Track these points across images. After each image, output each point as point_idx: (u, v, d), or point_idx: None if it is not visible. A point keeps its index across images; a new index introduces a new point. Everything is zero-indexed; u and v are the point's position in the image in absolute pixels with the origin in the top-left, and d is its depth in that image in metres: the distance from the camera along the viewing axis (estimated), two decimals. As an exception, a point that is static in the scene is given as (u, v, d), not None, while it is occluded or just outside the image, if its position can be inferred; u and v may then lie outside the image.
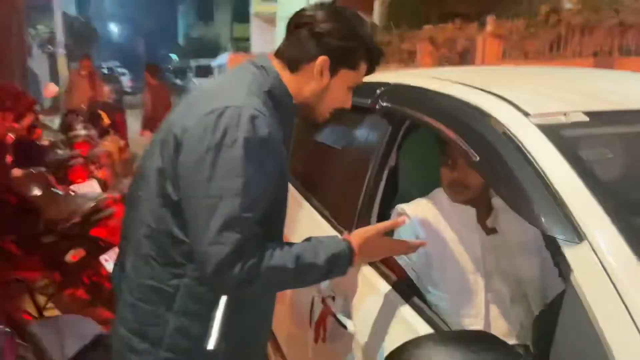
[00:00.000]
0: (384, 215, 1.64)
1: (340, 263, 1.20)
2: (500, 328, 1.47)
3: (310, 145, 2.17)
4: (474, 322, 1.45)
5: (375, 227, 1.30)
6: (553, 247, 1.54)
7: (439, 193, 1.59)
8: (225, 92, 1.19)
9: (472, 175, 1.48)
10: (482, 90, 1.27)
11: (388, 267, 1.47)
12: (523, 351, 1.41)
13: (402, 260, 1.50)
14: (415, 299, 1.38)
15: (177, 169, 1.13)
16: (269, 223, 1.17)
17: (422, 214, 1.54)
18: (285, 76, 1.25)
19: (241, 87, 1.18)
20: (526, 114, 1.14)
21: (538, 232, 1.53)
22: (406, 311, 1.35)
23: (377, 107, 1.65)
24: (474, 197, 1.52)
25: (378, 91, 1.66)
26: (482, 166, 1.10)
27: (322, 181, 1.96)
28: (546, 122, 1.09)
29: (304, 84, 1.25)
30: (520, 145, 1.07)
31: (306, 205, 1.94)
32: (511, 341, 1.46)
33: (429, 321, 1.29)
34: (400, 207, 1.58)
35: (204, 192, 1.08)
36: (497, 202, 1.54)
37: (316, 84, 1.24)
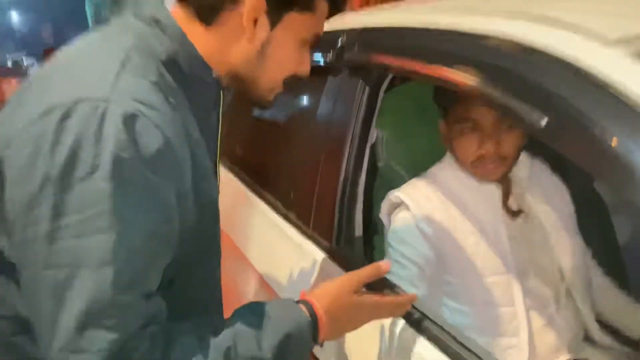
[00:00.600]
0: (370, 210, 1.21)
1: (296, 347, 0.75)
2: (547, 342, 1.09)
3: (257, 123, 1.68)
4: (513, 342, 1.07)
5: (349, 280, 0.84)
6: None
7: (443, 170, 1.17)
8: (78, 70, 0.69)
9: (508, 144, 1.07)
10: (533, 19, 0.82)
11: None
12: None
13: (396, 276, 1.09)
14: (426, 323, 0.94)
15: (4, 211, 0.64)
16: (183, 289, 0.72)
17: (426, 202, 1.12)
18: (196, 34, 0.75)
19: (109, 61, 0.68)
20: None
21: (571, 210, 1.17)
22: (417, 343, 0.92)
23: (342, 63, 1.19)
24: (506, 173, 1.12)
25: (341, 41, 1.20)
26: (554, 134, 0.67)
27: (279, 170, 1.49)
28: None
29: (229, 44, 0.77)
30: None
31: (259, 204, 1.47)
32: (563, 357, 1.10)
33: (450, 353, 0.87)
34: (395, 194, 1.15)
35: (44, 259, 0.61)
36: (520, 173, 1.15)
37: (248, 42, 0.76)
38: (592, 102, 0.65)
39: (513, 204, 1.14)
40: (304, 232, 1.23)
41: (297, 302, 0.79)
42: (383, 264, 0.89)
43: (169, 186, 0.65)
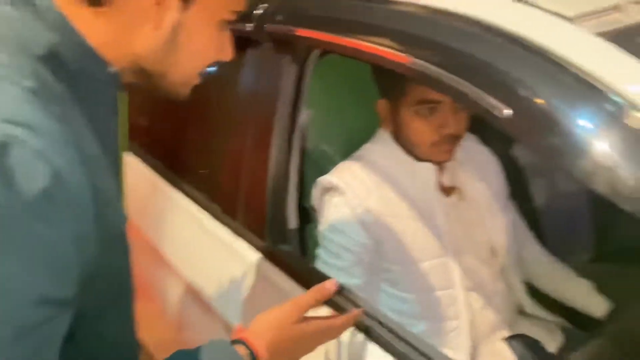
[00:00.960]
0: (301, 197, 1.11)
1: None
2: (486, 321, 1.09)
3: (170, 103, 1.48)
4: (454, 325, 1.05)
5: (291, 310, 0.76)
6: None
7: (375, 150, 1.10)
8: None
9: (463, 123, 1.03)
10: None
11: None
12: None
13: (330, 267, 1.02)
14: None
15: None
16: (86, 342, 0.59)
17: (360, 185, 1.04)
18: (84, 19, 0.58)
19: None
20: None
21: (503, 182, 1.16)
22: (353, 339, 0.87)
23: (263, 36, 1.05)
24: None
25: (262, 9, 1.05)
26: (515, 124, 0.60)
27: (199, 157, 1.33)
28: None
29: (129, 31, 0.60)
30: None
31: (179, 197, 1.31)
32: (504, 334, 1.10)
33: (384, 344, 0.83)
34: (327, 179, 1.06)
35: None
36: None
37: (155, 28, 0.60)
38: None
39: (446, 180, 1.10)
40: (233, 229, 1.11)
41: (234, 341, 0.71)
42: (328, 284, 0.83)
43: (62, 234, 0.49)
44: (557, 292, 1.17)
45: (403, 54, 0.77)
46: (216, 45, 0.66)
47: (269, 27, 1.02)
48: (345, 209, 1.03)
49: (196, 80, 0.68)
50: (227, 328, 1.07)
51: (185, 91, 0.68)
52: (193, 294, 1.20)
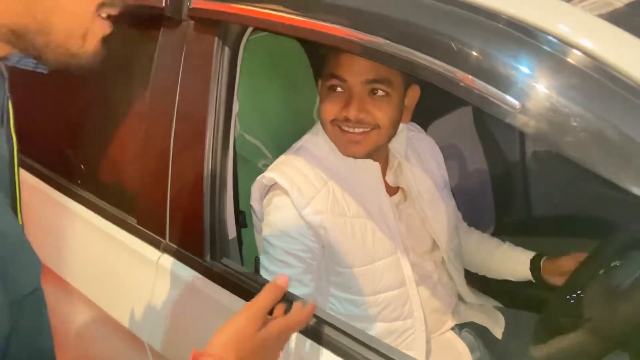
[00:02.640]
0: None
1: None
2: (434, 313, 1.07)
3: (61, 96, 1.20)
4: (409, 324, 1.01)
5: (251, 317, 0.68)
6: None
7: (317, 142, 1.00)
8: None
9: (379, 112, 0.93)
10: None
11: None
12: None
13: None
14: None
15: None
16: None
17: (305, 183, 0.94)
18: None
19: None
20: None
21: (444, 172, 1.14)
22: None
23: (183, 13, 0.88)
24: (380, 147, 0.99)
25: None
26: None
27: (106, 164, 1.10)
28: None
29: None
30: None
31: (81, 212, 1.08)
32: (450, 322, 1.09)
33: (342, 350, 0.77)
34: (268, 177, 0.94)
35: None
36: (396, 144, 1.04)
37: None
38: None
39: (390, 177, 1.04)
40: (158, 246, 0.93)
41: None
42: (279, 280, 0.74)
43: None
44: (488, 265, 1.19)
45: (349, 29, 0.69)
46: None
47: (194, 2, 0.85)
48: (290, 209, 0.92)
49: (104, 28, 0.53)
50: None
51: (86, 45, 0.52)
52: (106, 323, 1.00)
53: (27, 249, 0.48)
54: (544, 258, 1.10)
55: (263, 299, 0.70)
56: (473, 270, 1.20)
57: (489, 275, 1.19)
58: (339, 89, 0.93)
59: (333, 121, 0.94)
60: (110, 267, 1.02)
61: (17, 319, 0.45)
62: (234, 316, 0.68)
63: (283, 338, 0.72)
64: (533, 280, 1.11)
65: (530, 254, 1.13)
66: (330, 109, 0.94)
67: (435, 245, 1.09)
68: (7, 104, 0.52)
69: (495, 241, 1.20)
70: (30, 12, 0.48)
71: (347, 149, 0.96)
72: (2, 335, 0.43)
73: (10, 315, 0.44)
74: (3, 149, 0.51)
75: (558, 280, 1.07)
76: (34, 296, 0.49)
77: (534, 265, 1.11)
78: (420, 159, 1.09)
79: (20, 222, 0.57)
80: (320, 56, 0.96)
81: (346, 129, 0.93)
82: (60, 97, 1.21)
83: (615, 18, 0.60)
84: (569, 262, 1.06)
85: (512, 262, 1.15)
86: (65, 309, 1.10)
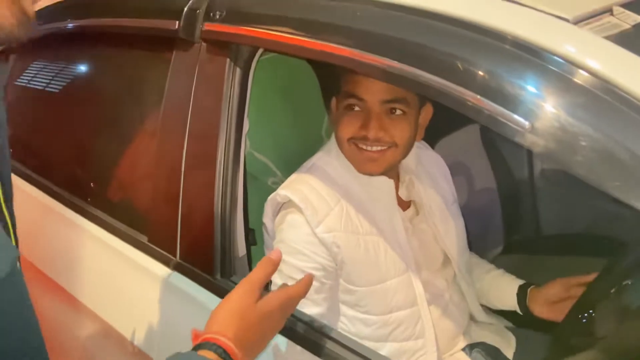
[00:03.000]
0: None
1: None
2: (446, 333, 1.06)
3: (72, 115, 1.22)
4: (420, 344, 1.00)
5: (247, 291, 0.68)
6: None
7: (329, 160, 1.01)
8: None
9: (396, 130, 0.94)
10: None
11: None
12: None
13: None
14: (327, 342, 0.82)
15: None
16: None
17: (319, 200, 0.95)
18: None
19: None
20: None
21: (452, 189, 1.14)
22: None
23: (196, 36, 0.90)
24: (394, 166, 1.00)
25: (196, 6, 0.90)
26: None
27: (118, 182, 1.12)
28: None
29: None
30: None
31: (90, 228, 1.09)
32: (461, 343, 1.08)
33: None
34: (282, 195, 0.95)
35: None
36: (405, 163, 1.05)
37: None
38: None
39: (403, 192, 1.05)
40: (168, 263, 0.94)
41: (197, 347, 0.63)
42: (273, 255, 0.73)
43: None
44: (487, 294, 1.16)
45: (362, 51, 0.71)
46: None
47: (206, 25, 0.87)
48: (304, 227, 0.93)
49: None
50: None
51: (8, 15, 0.50)
52: (115, 340, 1.01)
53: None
54: (532, 287, 1.08)
55: (257, 273, 0.69)
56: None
57: (479, 302, 1.15)
58: (356, 108, 0.94)
59: (350, 139, 0.95)
60: (120, 284, 1.02)
61: None
62: (230, 293, 0.67)
63: (285, 309, 0.71)
64: (519, 312, 1.08)
65: (519, 282, 1.10)
66: (348, 128, 0.95)
67: (447, 261, 1.09)
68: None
69: (488, 266, 1.18)
70: None
71: (364, 166, 0.97)
72: None
73: None
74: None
75: (544, 312, 1.05)
76: (7, 283, 0.47)
77: (521, 293, 1.08)
78: (429, 175, 1.10)
79: (5, 212, 0.56)
80: (335, 75, 0.97)
81: (363, 147, 0.94)
82: (73, 117, 1.23)
83: (624, 39, 0.61)
84: (555, 288, 1.05)
85: (499, 290, 1.12)
86: (74, 325, 1.10)
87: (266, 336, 0.69)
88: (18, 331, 0.49)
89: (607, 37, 0.60)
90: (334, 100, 1.00)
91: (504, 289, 1.12)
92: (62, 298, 1.10)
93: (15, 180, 1.25)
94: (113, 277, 1.03)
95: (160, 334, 0.93)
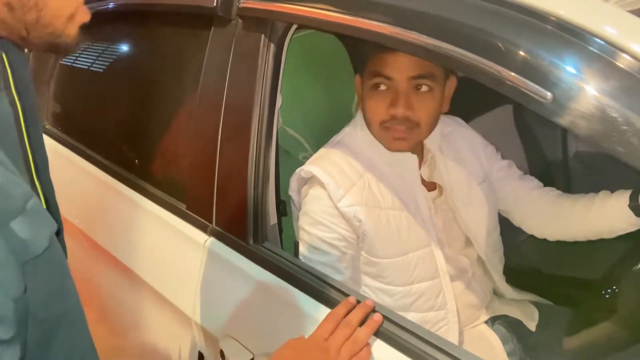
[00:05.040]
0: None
1: None
2: (468, 306, 1.09)
3: (114, 87, 1.30)
4: (441, 315, 1.03)
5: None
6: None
7: (355, 136, 1.04)
8: None
9: (422, 108, 0.96)
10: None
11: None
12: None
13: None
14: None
15: None
16: None
17: (342, 176, 0.98)
18: None
19: None
20: None
21: (484, 163, 1.14)
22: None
23: (233, 13, 0.95)
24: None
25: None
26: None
27: (157, 153, 1.19)
28: None
29: None
30: None
31: (133, 195, 1.16)
32: (483, 317, 1.11)
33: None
34: (307, 170, 0.99)
35: None
36: (429, 143, 1.06)
37: None
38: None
39: (425, 171, 1.07)
40: (205, 230, 1.00)
41: None
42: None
43: None
44: (586, 224, 1.04)
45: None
46: None
47: (243, 2, 0.91)
48: (327, 201, 0.97)
49: (85, 14, 0.56)
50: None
51: (73, 29, 0.56)
52: (156, 300, 1.08)
53: (35, 209, 0.47)
54: None
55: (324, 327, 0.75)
56: (559, 236, 1.11)
57: (586, 237, 1.05)
58: (382, 86, 0.95)
59: (382, 123, 0.97)
60: (161, 249, 1.10)
61: (33, 280, 0.46)
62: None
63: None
64: (635, 216, 0.93)
65: (627, 192, 0.96)
66: (377, 110, 0.96)
67: (469, 242, 1.11)
68: (7, 70, 0.54)
69: (587, 196, 1.05)
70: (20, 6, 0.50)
71: (393, 144, 0.99)
72: (18, 295, 0.45)
73: (25, 276, 0.45)
74: (6, 111, 0.53)
75: None
76: (46, 257, 0.48)
77: (633, 199, 0.94)
78: (456, 152, 1.10)
79: (37, 183, 0.58)
80: (361, 55, 0.99)
81: (391, 126, 0.97)
82: (117, 94, 1.30)
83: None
84: None
85: (613, 208, 0.98)
86: (117, 287, 1.19)
87: None
88: (58, 300, 0.52)
89: (632, 12, 0.61)
90: (357, 78, 1.02)
91: (617, 203, 0.97)
92: (108, 262, 1.18)
93: (68, 153, 1.35)
94: (155, 242, 1.11)
95: (197, 295, 0.99)
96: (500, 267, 1.14)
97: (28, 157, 0.56)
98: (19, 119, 0.55)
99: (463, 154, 1.11)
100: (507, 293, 1.14)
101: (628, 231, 0.97)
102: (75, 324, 0.55)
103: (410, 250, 1.01)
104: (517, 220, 1.15)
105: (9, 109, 0.53)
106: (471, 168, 1.10)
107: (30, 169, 0.57)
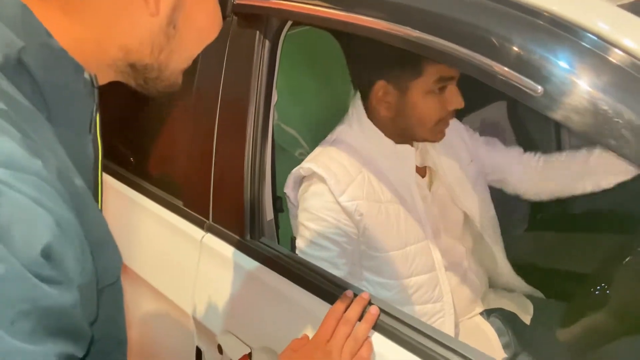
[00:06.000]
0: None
1: None
2: (463, 298, 1.10)
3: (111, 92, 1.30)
4: (438, 307, 1.05)
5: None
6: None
7: (351, 132, 1.05)
8: None
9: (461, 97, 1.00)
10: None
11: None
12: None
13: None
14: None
15: None
16: None
17: (342, 172, 0.99)
18: (48, 14, 0.47)
19: None
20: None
21: (469, 151, 1.15)
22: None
23: (228, 10, 0.95)
24: None
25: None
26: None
27: (155, 152, 1.19)
28: None
29: (114, 24, 0.50)
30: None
31: (131, 193, 1.17)
32: (479, 308, 1.12)
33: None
34: (306, 166, 1.00)
35: None
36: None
37: (150, 15, 0.50)
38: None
39: (417, 157, 1.08)
40: (202, 226, 1.01)
41: None
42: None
43: (68, 291, 0.40)
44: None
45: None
46: (218, 15, 0.58)
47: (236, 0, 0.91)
48: (328, 196, 0.98)
49: (190, 64, 0.59)
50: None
51: (180, 78, 0.58)
52: (154, 297, 1.09)
53: (112, 243, 0.51)
54: None
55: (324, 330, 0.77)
56: (558, 193, 1.14)
57: (584, 189, 1.10)
58: (443, 88, 0.98)
59: (440, 121, 1.00)
60: (158, 246, 1.10)
61: (98, 306, 0.48)
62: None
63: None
64: None
65: None
66: (439, 109, 0.99)
67: (468, 223, 1.12)
68: (96, 113, 0.55)
69: (582, 151, 1.10)
70: (163, 52, 0.53)
71: (440, 136, 1.03)
72: (91, 319, 0.46)
73: (96, 302, 0.47)
74: (89, 152, 0.55)
75: None
76: (114, 287, 0.52)
77: None
78: (445, 138, 1.11)
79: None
80: (408, 65, 0.96)
81: (446, 120, 1.01)
82: (114, 91, 1.30)
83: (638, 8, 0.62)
84: None
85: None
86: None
87: None
88: (109, 329, 0.53)
89: (621, 6, 0.62)
90: (384, 85, 0.99)
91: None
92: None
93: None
94: (152, 239, 1.11)
95: (195, 291, 1.00)
96: (501, 244, 1.14)
97: (98, 194, 0.58)
98: (98, 157, 0.56)
99: (450, 137, 1.12)
100: (510, 277, 1.14)
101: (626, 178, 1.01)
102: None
103: (408, 244, 1.02)
104: (512, 184, 1.18)
105: (92, 152, 0.55)
106: (459, 150, 1.13)
107: (99, 204, 0.59)
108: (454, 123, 1.16)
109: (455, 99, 0.98)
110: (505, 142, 1.55)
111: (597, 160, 1.06)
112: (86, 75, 0.51)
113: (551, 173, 1.13)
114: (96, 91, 0.53)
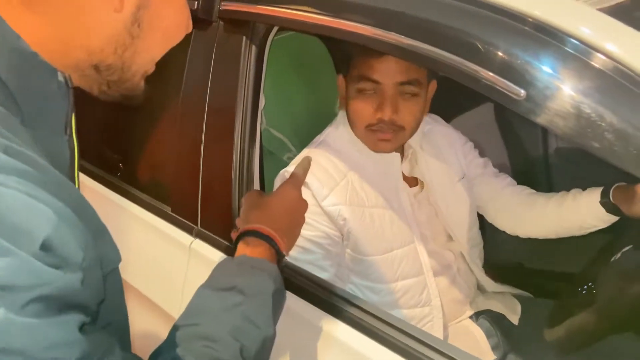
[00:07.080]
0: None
1: (282, 291, 0.75)
2: (452, 302, 1.11)
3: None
4: (426, 311, 1.05)
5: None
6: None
7: (338, 135, 1.06)
8: None
9: (408, 113, 0.97)
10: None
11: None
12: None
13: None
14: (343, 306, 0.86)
15: None
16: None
17: (326, 176, 1.00)
18: (15, 16, 0.47)
19: None
20: None
21: (462, 161, 1.16)
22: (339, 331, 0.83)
23: (214, 15, 0.95)
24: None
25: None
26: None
27: (141, 158, 1.18)
28: None
29: (78, 23, 0.50)
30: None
31: (116, 199, 1.16)
32: (468, 312, 1.13)
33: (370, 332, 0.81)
34: (289, 170, 0.99)
35: None
36: (411, 140, 1.08)
37: (115, 11, 0.50)
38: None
39: (406, 167, 1.08)
40: (190, 232, 1.00)
41: (244, 235, 0.77)
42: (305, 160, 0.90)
43: (73, 272, 0.41)
44: (559, 220, 1.08)
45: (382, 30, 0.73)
46: (184, 19, 0.57)
47: (223, 4, 0.91)
48: (310, 199, 0.97)
49: (153, 67, 0.59)
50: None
51: (142, 82, 0.58)
52: (142, 303, 1.08)
53: (107, 231, 0.52)
54: (613, 187, 0.98)
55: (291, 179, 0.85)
56: (530, 234, 1.14)
57: (557, 234, 1.10)
58: (369, 91, 0.96)
59: (367, 127, 0.98)
60: (146, 252, 1.09)
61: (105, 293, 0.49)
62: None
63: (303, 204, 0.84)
64: (605, 212, 0.97)
65: (599, 189, 1.00)
66: (363, 113, 0.98)
67: (451, 239, 1.12)
68: (71, 115, 0.55)
69: (559, 194, 1.09)
70: (119, 52, 0.52)
71: (377, 146, 1.01)
72: (99, 299, 0.48)
73: (102, 290, 0.48)
74: (65, 154, 0.55)
75: (627, 208, 0.94)
76: (114, 274, 0.53)
77: (604, 195, 0.98)
78: (437, 151, 1.12)
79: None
80: (346, 56, 1.00)
81: (377, 129, 0.98)
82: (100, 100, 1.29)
83: (619, 11, 0.63)
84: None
85: (585, 205, 1.02)
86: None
87: (296, 228, 0.83)
88: (113, 316, 0.54)
89: (602, 10, 0.63)
90: (340, 79, 1.03)
91: (588, 200, 1.01)
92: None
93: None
94: (140, 245, 1.10)
95: (184, 297, 0.99)
96: (480, 262, 1.16)
97: None
98: (74, 159, 0.57)
99: (443, 151, 1.13)
100: (488, 286, 1.16)
101: (598, 228, 1.03)
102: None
103: (395, 247, 1.02)
104: (491, 216, 1.19)
105: (67, 152, 0.55)
106: (450, 165, 1.13)
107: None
108: (451, 135, 1.17)
109: (381, 107, 0.95)
110: (493, 145, 1.59)
111: (572, 203, 1.04)
112: (60, 77, 0.51)
113: (529, 211, 1.11)
114: (71, 91, 0.53)
